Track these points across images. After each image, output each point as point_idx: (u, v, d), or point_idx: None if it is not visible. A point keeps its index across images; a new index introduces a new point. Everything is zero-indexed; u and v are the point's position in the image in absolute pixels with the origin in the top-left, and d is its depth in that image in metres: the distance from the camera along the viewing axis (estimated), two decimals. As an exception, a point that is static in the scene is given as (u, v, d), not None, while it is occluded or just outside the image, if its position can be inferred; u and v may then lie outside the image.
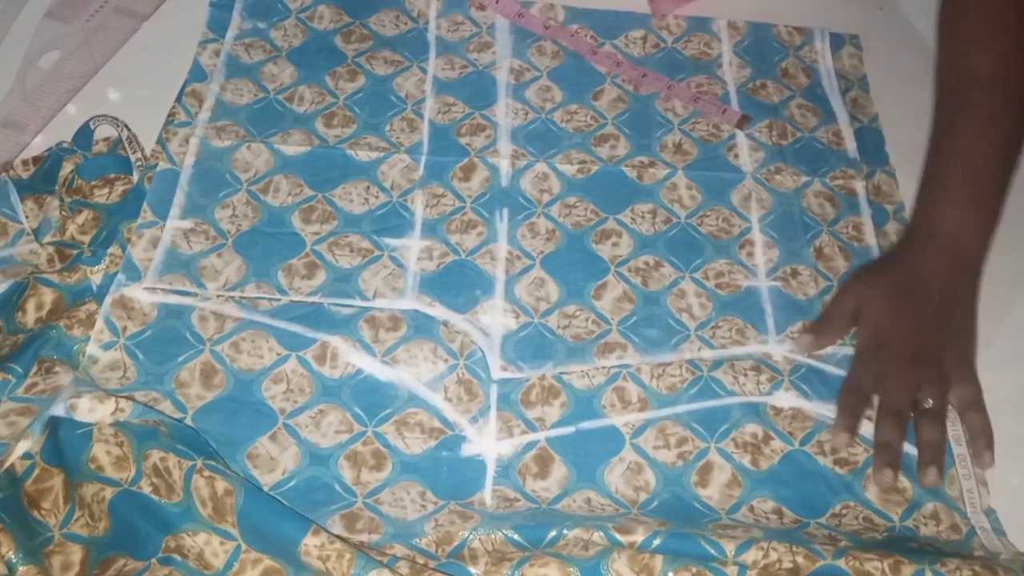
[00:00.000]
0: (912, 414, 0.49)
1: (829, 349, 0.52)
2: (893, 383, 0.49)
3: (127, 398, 0.44)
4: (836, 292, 0.53)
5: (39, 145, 0.57)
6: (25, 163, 0.56)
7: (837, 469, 0.48)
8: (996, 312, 0.55)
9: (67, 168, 0.54)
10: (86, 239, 0.53)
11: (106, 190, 0.55)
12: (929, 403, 0.48)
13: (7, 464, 0.42)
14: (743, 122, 0.62)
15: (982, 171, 0.49)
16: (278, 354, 0.50)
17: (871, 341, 0.50)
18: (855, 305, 0.51)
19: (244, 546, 0.41)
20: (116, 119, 0.58)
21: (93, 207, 0.54)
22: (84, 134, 0.57)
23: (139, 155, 0.56)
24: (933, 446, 0.48)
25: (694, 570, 0.42)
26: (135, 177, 0.56)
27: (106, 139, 0.57)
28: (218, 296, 0.51)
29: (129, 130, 0.57)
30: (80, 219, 0.53)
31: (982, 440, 0.48)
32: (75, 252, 0.52)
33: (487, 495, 0.46)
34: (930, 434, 0.48)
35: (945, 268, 0.49)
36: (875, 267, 0.53)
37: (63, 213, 0.53)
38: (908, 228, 0.53)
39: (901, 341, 0.49)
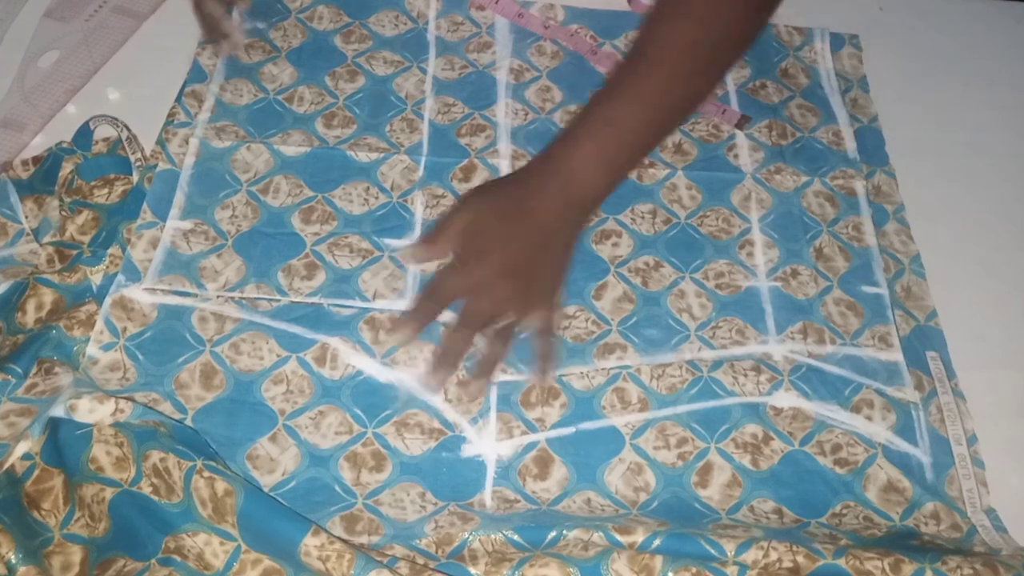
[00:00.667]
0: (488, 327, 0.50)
1: (830, 348, 0.52)
2: (482, 292, 0.50)
3: (127, 399, 0.44)
4: (453, 204, 0.54)
5: (39, 145, 0.57)
6: (25, 163, 0.56)
7: (837, 469, 0.48)
8: (996, 312, 0.55)
9: (67, 168, 0.54)
10: (86, 239, 0.53)
11: (106, 190, 0.55)
12: (510, 317, 0.50)
13: (7, 465, 0.42)
14: (743, 122, 0.62)
15: (623, 136, 0.52)
16: (278, 355, 0.50)
17: (472, 248, 0.51)
18: (468, 219, 0.52)
19: (244, 546, 0.41)
20: (116, 119, 0.57)
21: (93, 207, 0.54)
22: (84, 134, 0.57)
23: (139, 155, 0.56)
24: (488, 361, 0.50)
25: (694, 570, 0.42)
26: (135, 177, 0.56)
27: (106, 139, 0.57)
28: (218, 297, 0.51)
29: (129, 130, 0.57)
30: (80, 219, 0.53)
31: (545, 362, 0.50)
32: (75, 252, 0.52)
33: (487, 496, 0.46)
34: (492, 350, 0.50)
35: (558, 203, 0.51)
36: (495, 185, 0.55)
37: (63, 213, 0.53)
38: (538, 156, 0.54)
39: (500, 255, 0.51)
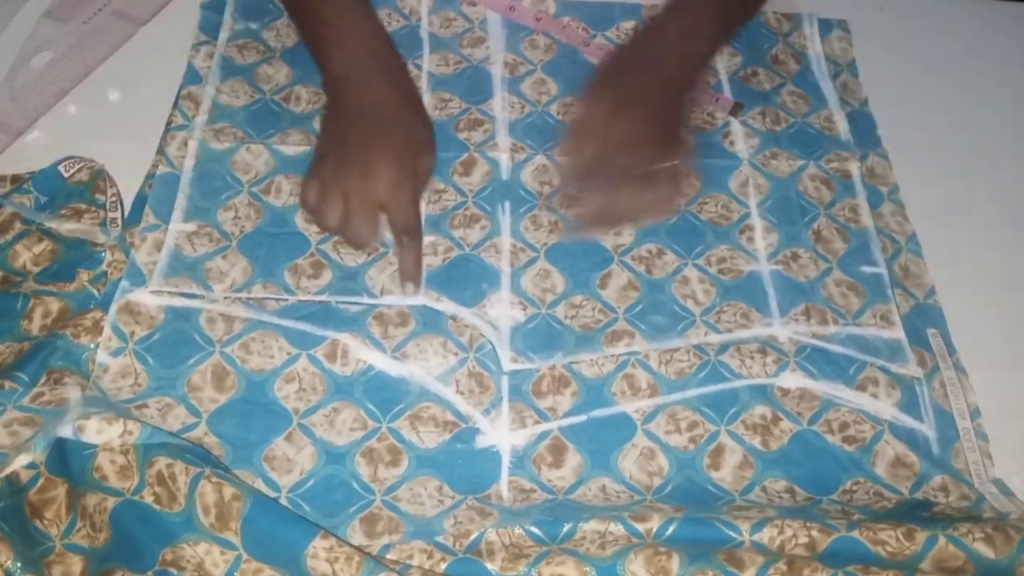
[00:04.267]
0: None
1: (833, 329, 0.53)
2: (621, 149, 0.54)
3: (137, 417, 0.44)
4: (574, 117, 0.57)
5: (36, 144, 0.57)
6: (2, 179, 0.54)
7: (846, 447, 0.49)
8: (996, 312, 0.56)
9: (21, 199, 0.53)
10: (36, 270, 0.51)
11: (73, 221, 0.53)
12: (642, 166, 0.54)
13: (4, 474, 0.42)
14: (736, 109, 0.63)
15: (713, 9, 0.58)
16: (288, 353, 0.50)
17: (597, 109, 0.55)
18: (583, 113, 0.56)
19: (245, 556, 0.41)
20: (93, 162, 0.55)
21: (54, 238, 0.52)
22: (48, 177, 0.54)
23: (114, 198, 0.54)
24: (629, 206, 0.55)
25: (710, 574, 0.41)
26: (101, 236, 0.53)
27: (90, 167, 0.55)
28: (225, 298, 0.51)
29: (108, 176, 0.55)
30: (37, 248, 0.52)
31: (669, 200, 0.56)
32: (17, 279, 0.50)
33: (503, 487, 0.47)
34: (626, 198, 0.54)
35: (659, 86, 0.56)
36: (610, 56, 0.59)
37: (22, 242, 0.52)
38: (634, 36, 0.60)
39: (625, 122, 0.54)
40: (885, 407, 0.50)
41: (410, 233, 0.52)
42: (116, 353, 0.49)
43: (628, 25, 0.67)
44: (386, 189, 0.52)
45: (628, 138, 0.54)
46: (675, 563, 0.42)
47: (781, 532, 0.43)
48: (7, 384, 0.46)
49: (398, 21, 0.66)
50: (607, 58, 0.59)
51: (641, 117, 0.54)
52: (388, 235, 0.54)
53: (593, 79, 0.57)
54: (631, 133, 0.54)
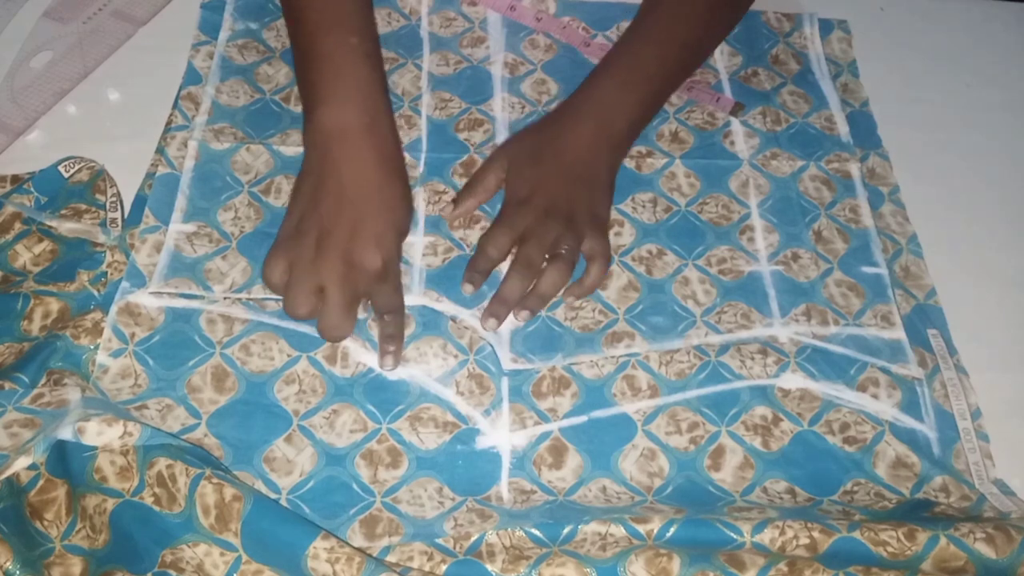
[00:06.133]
0: (545, 263, 0.53)
1: (834, 329, 0.53)
2: (529, 238, 0.52)
3: (137, 419, 0.44)
4: (489, 155, 0.57)
5: (36, 144, 0.57)
6: (2, 179, 0.54)
7: (846, 447, 0.49)
8: (996, 312, 0.56)
9: (22, 200, 0.53)
10: (35, 270, 0.51)
11: (74, 220, 0.53)
12: (563, 250, 0.52)
13: (4, 475, 0.42)
14: (737, 109, 0.63)
15: (648, 68, 0.57)
16: (288, 355, 0.50)
17: (513, 197, 0.54)
18: (504, 167, 0.55)
19: (245, 557, 0.41)
20: (93, 162, 0.55)
21: (54, 238, 0.52)
22: (48, 177, 0.54)
23: (115, 198, 0.54)
24: (544, 294, 0.52)
25: (711, 575, 0.41)
26: (101, 235, 0.53)
27: (90, 167, 0.55)
28: (225, 299, 0.51)
29: (108, 176, 0.55)
30: (37, 248, 0.52)
31: (583, 287, 0.53)
32: (17, 279, 0.50)
33: (503, 488, 0.47)
34: (548, 281, 0.52)
35: (590, 134, 0.55)
36: (527, 131, 0.58)
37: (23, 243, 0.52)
38: (567, 99, 0.58)
39: (540, 198, 0.53)
40: (886, 408, 0.50)
41: (392, 313, 0.49)
42: (116, 354, 0.49)
43: (628, 25, 0.67)
44: (370, 281, 0.49)
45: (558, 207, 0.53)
46: (676, 564, 0.42)
47: (782, 533, 0.43)
48: (7, 385, 0.46)
49: (398, 21, 0.66)
50: (514, 141, 0.57)
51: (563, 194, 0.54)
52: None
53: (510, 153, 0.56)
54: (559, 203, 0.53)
